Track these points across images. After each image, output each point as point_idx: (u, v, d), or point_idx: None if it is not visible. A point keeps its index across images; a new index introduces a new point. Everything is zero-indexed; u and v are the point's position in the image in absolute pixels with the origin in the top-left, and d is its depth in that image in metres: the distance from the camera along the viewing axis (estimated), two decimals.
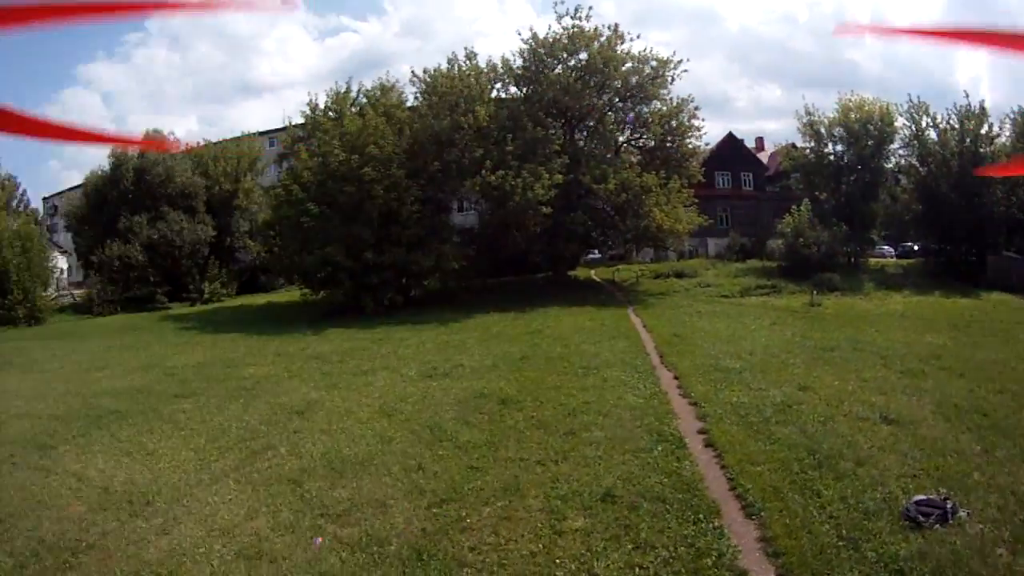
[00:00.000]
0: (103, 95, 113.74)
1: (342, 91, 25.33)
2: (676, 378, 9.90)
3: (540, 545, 4.80)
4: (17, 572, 4.82)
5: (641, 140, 26.84)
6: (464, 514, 5.33)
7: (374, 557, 4.72)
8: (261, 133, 37.59)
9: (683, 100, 25.46)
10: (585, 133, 26.46)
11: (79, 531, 5.35)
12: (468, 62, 24.56)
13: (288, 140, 27.21)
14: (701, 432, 7.20)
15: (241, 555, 4.85)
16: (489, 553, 4.70)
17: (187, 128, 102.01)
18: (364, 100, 25.00)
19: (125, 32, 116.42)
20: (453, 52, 30.12)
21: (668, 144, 25.65)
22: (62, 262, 39.22)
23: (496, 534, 4.95)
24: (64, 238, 42.33)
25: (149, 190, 30.34)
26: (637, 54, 24.90)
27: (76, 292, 33.90)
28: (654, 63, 25.00)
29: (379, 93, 25.18)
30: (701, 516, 5.08)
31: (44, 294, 28.78)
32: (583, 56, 24.29)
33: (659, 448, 6.64)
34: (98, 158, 32.87)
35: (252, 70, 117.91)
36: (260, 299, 28.68)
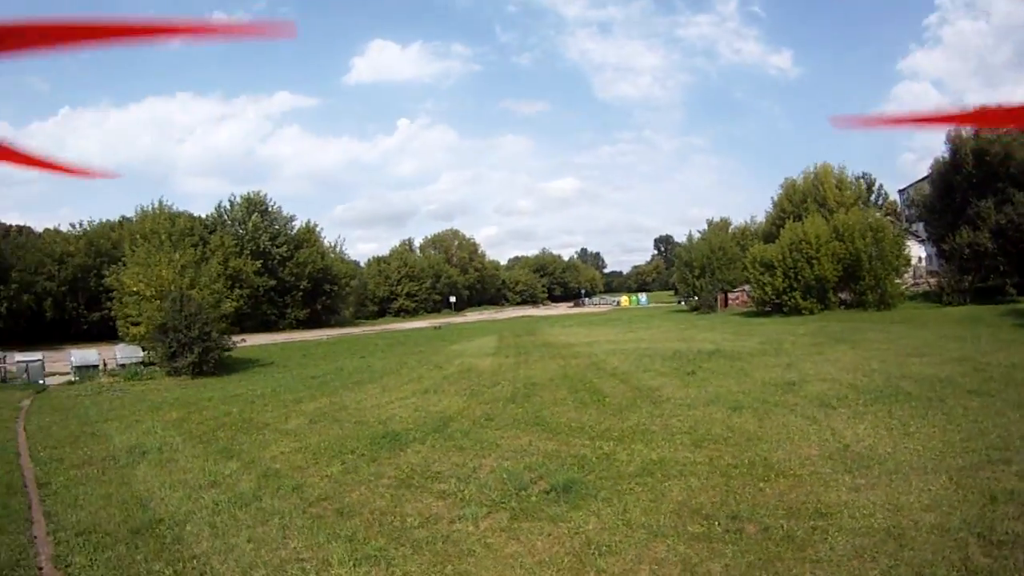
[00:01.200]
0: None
1: None
2: None
3: None
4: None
5: None
6: None
7: None
8: None
9: None
10: None
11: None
12: None
13: None
14: None
15: None
16: None
17: None
18: None
19: None
20: None
21: None
22: (920, 250, 42.71)
23: None
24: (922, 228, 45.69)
25: (991, 171, 29.92)
26: None
27: (932, 281, 36.67)
28: None
29: None
30: None
31: (897, 281, 32.84)
32: None
33: None
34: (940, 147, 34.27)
35: None
36: None
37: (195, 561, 5.40)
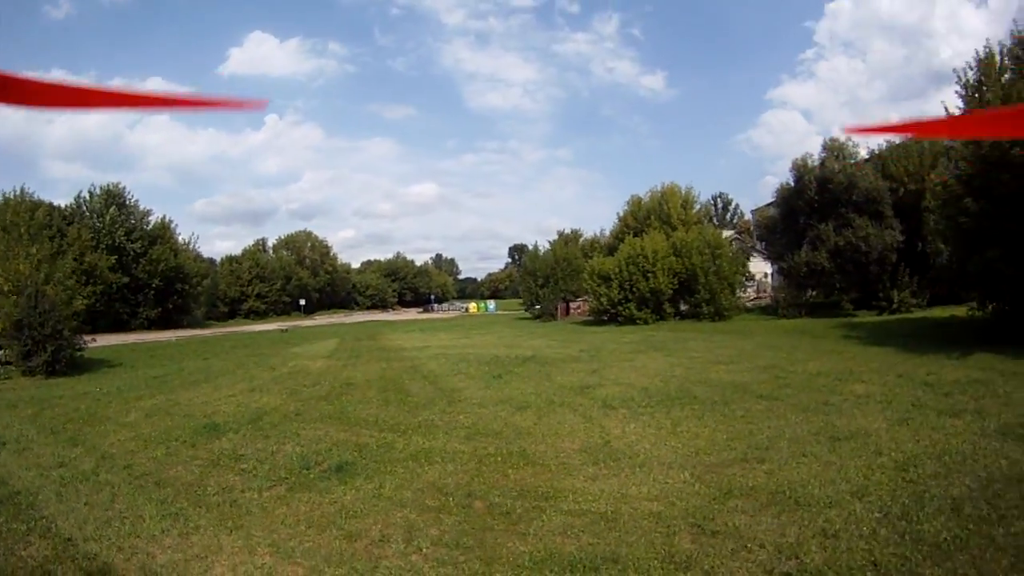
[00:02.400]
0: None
1: None
2: None
3: None
4: None
5: None
6: None
7: None
8: None
9: None
10: None
11: None
12: None
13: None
14: None
15: None
16: None
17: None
18: None
19: None
20: None
21: None
22: (767, 267, 45.98)
23: None
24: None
25: (834, 198, 33.32)
26: None
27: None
28: None
29: None
30: None
31: (739, 295, 35.97)
32: None
33: None
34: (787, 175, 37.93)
35: None
36: (946, 311, 27.46)
37: (44, 520, 7.18)
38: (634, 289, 35.73)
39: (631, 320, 35.33)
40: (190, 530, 6.57)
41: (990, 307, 19.84)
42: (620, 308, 35.94)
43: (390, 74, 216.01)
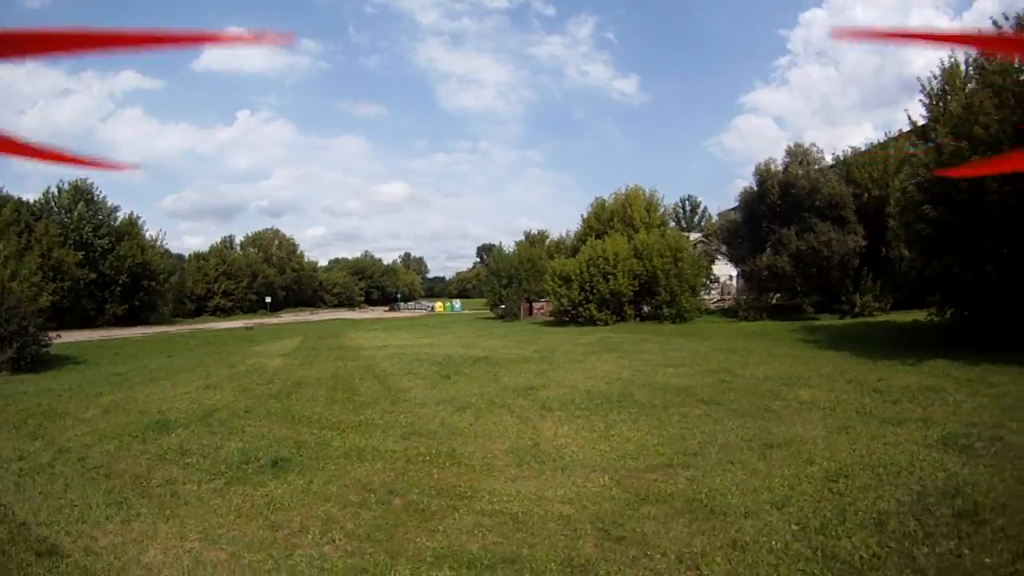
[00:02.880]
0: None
1: None
2: None
3: None
4: None
5: None
6: None
7: None
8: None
9: None
10: None
11: None
12: None
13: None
14: None
15: None
16: None
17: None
18: None
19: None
20: None
21: None
22: (732, 269, 45.96)
23: None
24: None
25: (796, 203, 33.52)
26: None
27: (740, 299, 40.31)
28: None
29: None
30: None
31: (702, 296, 36.39)
32: None
33: None
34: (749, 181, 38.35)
35: None
36: (908, 316, 27.50)
37: (2, 507, 7.70)
38: (595, 290, 35.75)
39: (591, 321, 35.28)
40: (131, 517, 7.17)
41: (949, 312, 19.67)
42: (580, 309, 35.96)
43: (363, 72, 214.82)
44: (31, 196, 56.16)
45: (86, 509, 7.66)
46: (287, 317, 75.23)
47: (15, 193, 48.33)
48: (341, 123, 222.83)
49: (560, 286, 37.26)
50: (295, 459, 9.19)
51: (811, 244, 32.27)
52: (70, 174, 57.64)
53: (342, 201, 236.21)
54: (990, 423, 8.81)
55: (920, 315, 24.44)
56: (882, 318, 29.38)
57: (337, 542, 6.18)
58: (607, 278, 35.58)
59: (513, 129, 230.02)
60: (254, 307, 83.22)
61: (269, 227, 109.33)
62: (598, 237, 40.32)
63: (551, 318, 41.57)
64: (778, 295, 36.07)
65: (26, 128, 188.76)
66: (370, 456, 9.09)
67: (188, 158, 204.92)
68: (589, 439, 9.24)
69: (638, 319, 36.73)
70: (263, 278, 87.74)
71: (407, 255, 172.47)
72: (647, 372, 15.62)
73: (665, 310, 35.32)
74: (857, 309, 30.99)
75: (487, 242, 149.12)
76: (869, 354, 17.27)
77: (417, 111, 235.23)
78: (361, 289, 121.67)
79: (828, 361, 16.51)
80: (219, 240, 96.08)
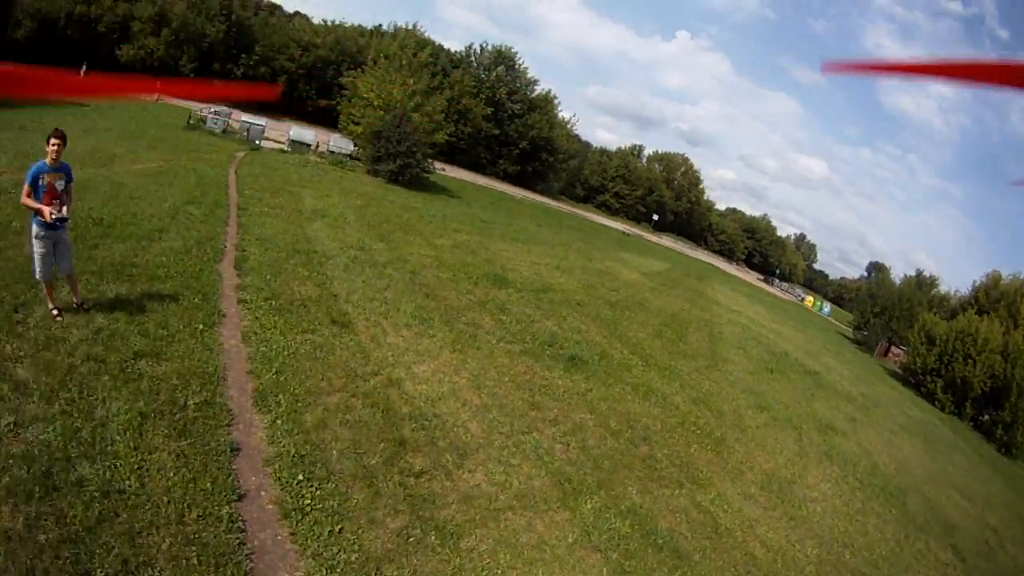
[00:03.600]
0: None
1: None
2: None
3: None
4: None
5: None
6: None
7: None
8: None
9: None
10: None
11: None
12: None
13: None
14: None
15: None
16: None
17: None
18: None
19: None
20: None
21: None
22: None
23: None
24: None
25: None
26: None
27: None
28: None
29: None
30: None
31: None
32: None
33: None
34: None
35: None
36: None
37: (325, 276, 8.97)
38: (950, 367, 31.66)
39: (931, 396, 31.41)
40: (424, 334, 8.17)
41: None
42: (931, 376, 32.29)
43: (807, 34, 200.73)
44: (453, 45, 60.65)
45: (393, 309, 8.43)
46: (667, 240, 76.58)
47: (436, 39, 53.21)
48: (777, 78, 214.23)
49: (922, 344, 33.52)
50: (591, 365, 9.61)
51: None
52: (499, 37, 61.57)
53: (759, 156, 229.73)
54: None
55: None
56: None
57: (569, 447, 6.58)
58: (966, 360, 31.31)
59: (944, 153, 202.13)
60: (639, 218, 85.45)
61: (680, 152, 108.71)
62: (980, 313, 35.44)
63: (899, 370, 38.40)
64: None
65: None
66: (653, 399, 9.42)
67: (621, 59, 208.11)
68: None
69: (972, 423, 30.71)
70: (657, 195, 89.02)
71: (802, 236, 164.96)
72: None
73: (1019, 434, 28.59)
74: None
75: (879, 260, 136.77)
76: None
77: (854, 95, 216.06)
78: (745, 248, 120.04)
79: None
80: (628, 145, 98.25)
